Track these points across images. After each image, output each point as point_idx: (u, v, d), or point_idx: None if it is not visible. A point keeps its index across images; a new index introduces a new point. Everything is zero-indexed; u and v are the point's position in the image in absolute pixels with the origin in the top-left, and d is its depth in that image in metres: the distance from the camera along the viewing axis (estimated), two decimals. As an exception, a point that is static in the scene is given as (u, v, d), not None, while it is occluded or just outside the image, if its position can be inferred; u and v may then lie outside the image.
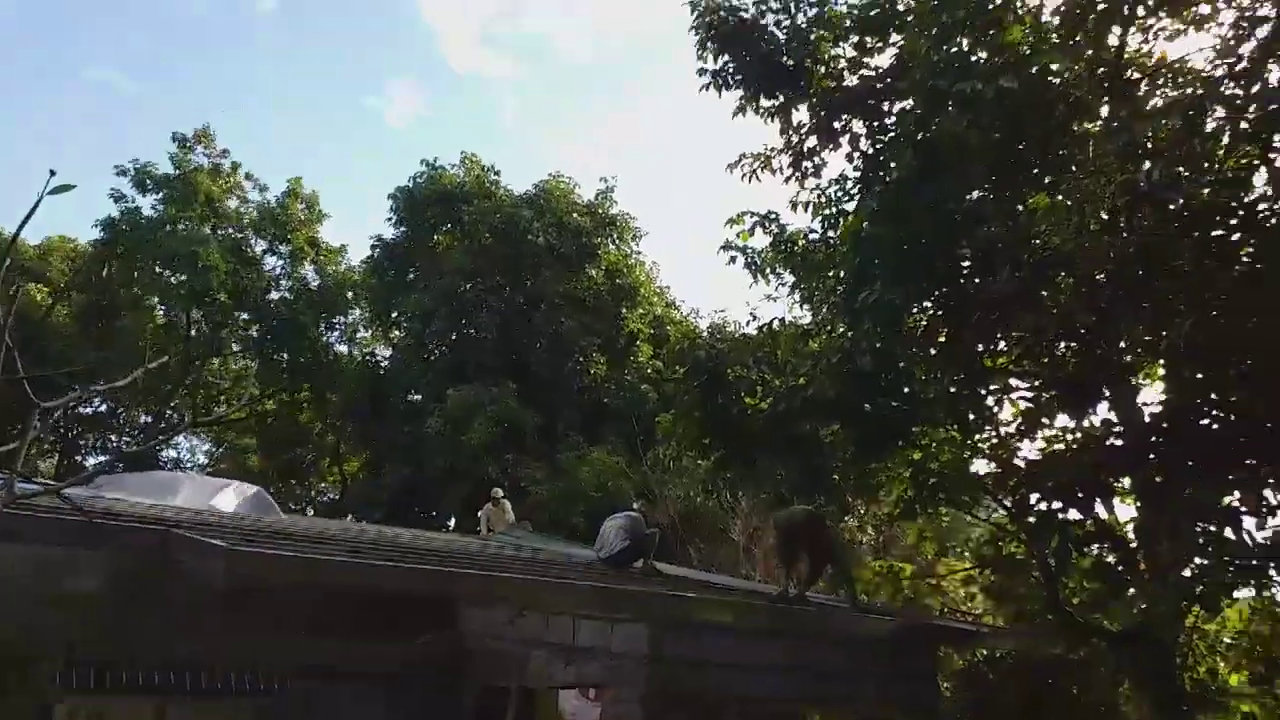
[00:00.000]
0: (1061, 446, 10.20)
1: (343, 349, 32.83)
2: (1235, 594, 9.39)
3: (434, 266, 29.13)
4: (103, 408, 32.84)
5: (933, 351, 10.10)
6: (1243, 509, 8.61)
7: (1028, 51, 9.37)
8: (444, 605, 8.74)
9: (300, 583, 6.67)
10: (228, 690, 7.60)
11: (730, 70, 10.63)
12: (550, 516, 22.43)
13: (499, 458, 24.71)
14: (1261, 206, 8.76)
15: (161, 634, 7.35)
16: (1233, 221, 8.76)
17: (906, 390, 10.26)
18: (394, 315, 30.79)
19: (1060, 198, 9.40)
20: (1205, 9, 9.72)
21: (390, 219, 30.33)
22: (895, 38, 10.37)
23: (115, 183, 30.19)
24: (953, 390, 9.89)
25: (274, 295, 32.47)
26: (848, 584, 10.22)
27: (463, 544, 12.00)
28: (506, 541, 14.15)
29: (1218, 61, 8.86)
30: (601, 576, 9.20)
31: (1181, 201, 8.60)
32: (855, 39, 10.65)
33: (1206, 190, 8.87)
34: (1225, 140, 8.82)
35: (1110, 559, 9.97)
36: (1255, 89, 8.31)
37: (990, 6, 9.53)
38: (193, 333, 31.60)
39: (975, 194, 9.68)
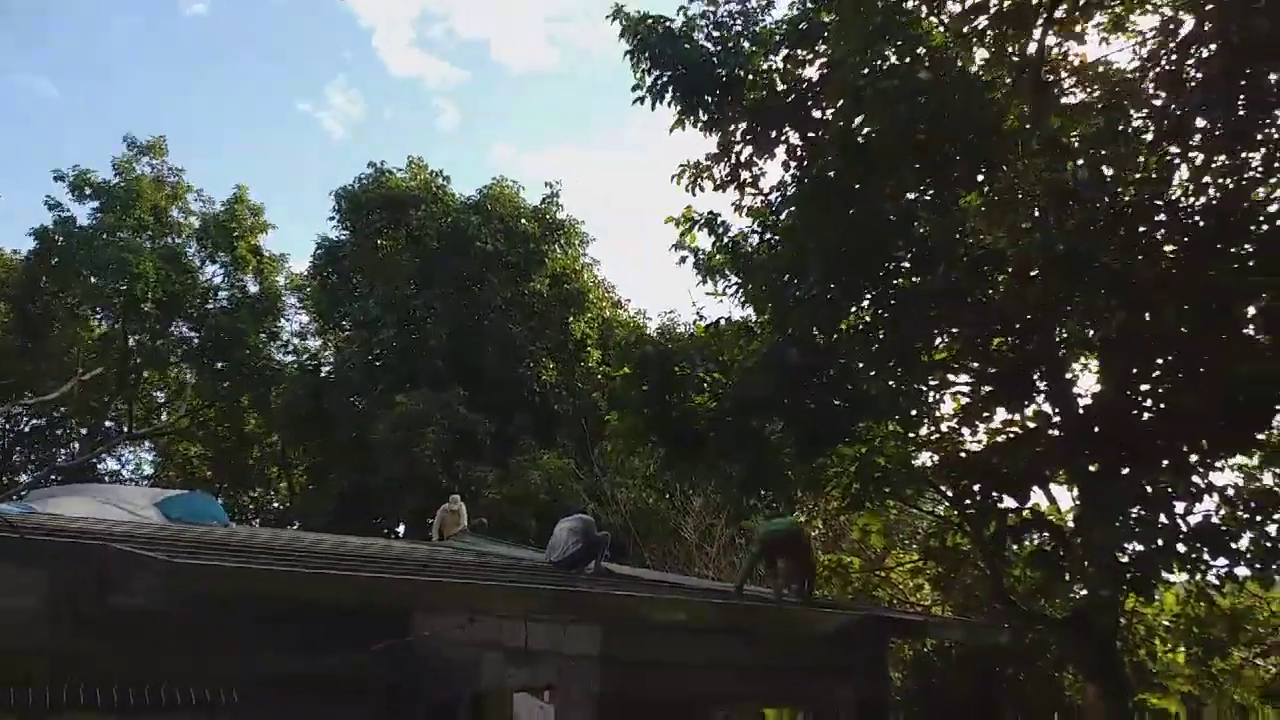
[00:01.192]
0: (1001, 439, 10.43)
1: (286, 357, 32.30)
2: (1168, 577, 9.67)
3: (380, 272, 28.75)
4: (40, 421, 31.95)
5: (872, 348, 10.26)
6: (1173, 494, 8.89)
7: (950, 51, 9.61)
8: (394, 613, 8.67)
9: (243, 594, 6.58)
10: (172, 706, 7.46)
11: (664, 83, 10.72)
12: (502, 520, 22.34)
13: (450, 464, 24.53)
14: (1183, 203, 9.06)
15: (101, 650, 7.19)
16: (1157, 218, 9.05)
17: (849, 387, 10.42)
18: (339, 321, 30.36)
19: (992, 197, 9.63)
20: (1123, 11, 10.03)
21: (333, 220, 29.88)
22: (823, 48, 10.53)
23: (43, 190, 29.51)
24: (893, 386, 10.07)
25: (212, 305, 31.85)
26: (810, 581, 10.38)
27: (413, 551, 11.91)
28: (459, 547, 14.08)
29: (1139, 65, 9.16)
30: (553, 579, 9.20)
31: (1107, 200, 8.85)
32: (785, 51, 10.79)
33: (1131, 188, 9.15)
34: (1148, 139, 9.11)
35: (1047, 547, 10.22)
36: (1173, 92, 8.60)
37: (908, 8, 9.75)
38: (130, 343, 30.90)
39: (910, 195, 9.87)
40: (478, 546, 14.25)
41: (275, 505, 33.45)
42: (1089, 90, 10.10)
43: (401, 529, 26.71)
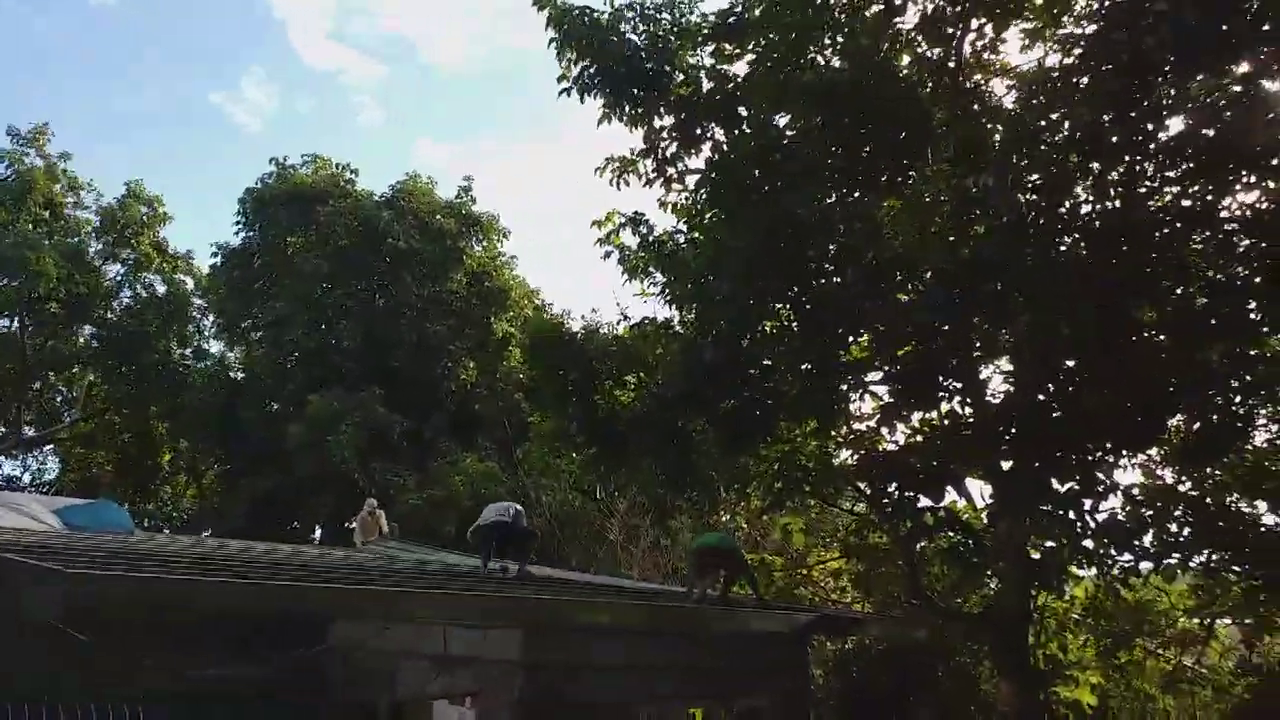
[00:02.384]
0: (916, 439, 10.66)
1: (192, 361, 31.17)
2: (1076, 571, 10.00)
3: (289, 271, 27.89)
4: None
5: (790, 348, 10.40)
6: (1081, 492, 9.19)
7: (873, 53, 9.80)
8: (309, 621, 8.46)
9: (150, 604, 6.33)
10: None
11: (590, 75, 10.66)
12: (423, 526, 21.99)
13: (366, 466, 24.04)
14: (1085, 210, 9.40)
15: (3, 664, 6.86)
16: (1059, 225, 9.36)
17: (768, 386, 10.54)
18: (247, 323, 29.45)
19: (903, 202, 9.86)
20: (1039, 24, 10.34)
21: (237, 224, 28.96)
22: (750, 44, 10.62)
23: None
24: (810, 385, 10.21)
25: (116, 305, 30.59)
26: (751, 583, 10.52)
27: (328, 556, 11.65)
28: (379, 552, 13.81)
29: (1048, 76, 9.47)
30: (473, 583, 9.09)
31: (1015, 206, 9.13)
32: (712, 46, 10.85)
33: (1037, 195, 9.45)
34: (1055, 147, 9.41)
35: (961, 544, 10.48)
36: (1076, 104, 8.91)
37: (830, 3, 9.91)
38: (28, 345, 29.48)
39: (823, 197, 10.02)
40: (397, 551, 14.01)
41: (184, 511, 32.35)
42: (1009, 96, 10.38)
43: (318, 533, 26.12)
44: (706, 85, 10.74)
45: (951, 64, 10.37)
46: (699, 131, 10.80)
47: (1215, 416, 9.12)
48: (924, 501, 10.23)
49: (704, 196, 10.73)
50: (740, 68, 10.93)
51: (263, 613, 7.19)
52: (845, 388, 10.61)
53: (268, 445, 25.62)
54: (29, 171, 29.09)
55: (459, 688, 8.32)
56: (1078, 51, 9.18)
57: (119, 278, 30.89)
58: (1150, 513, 9.28)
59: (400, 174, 29.33)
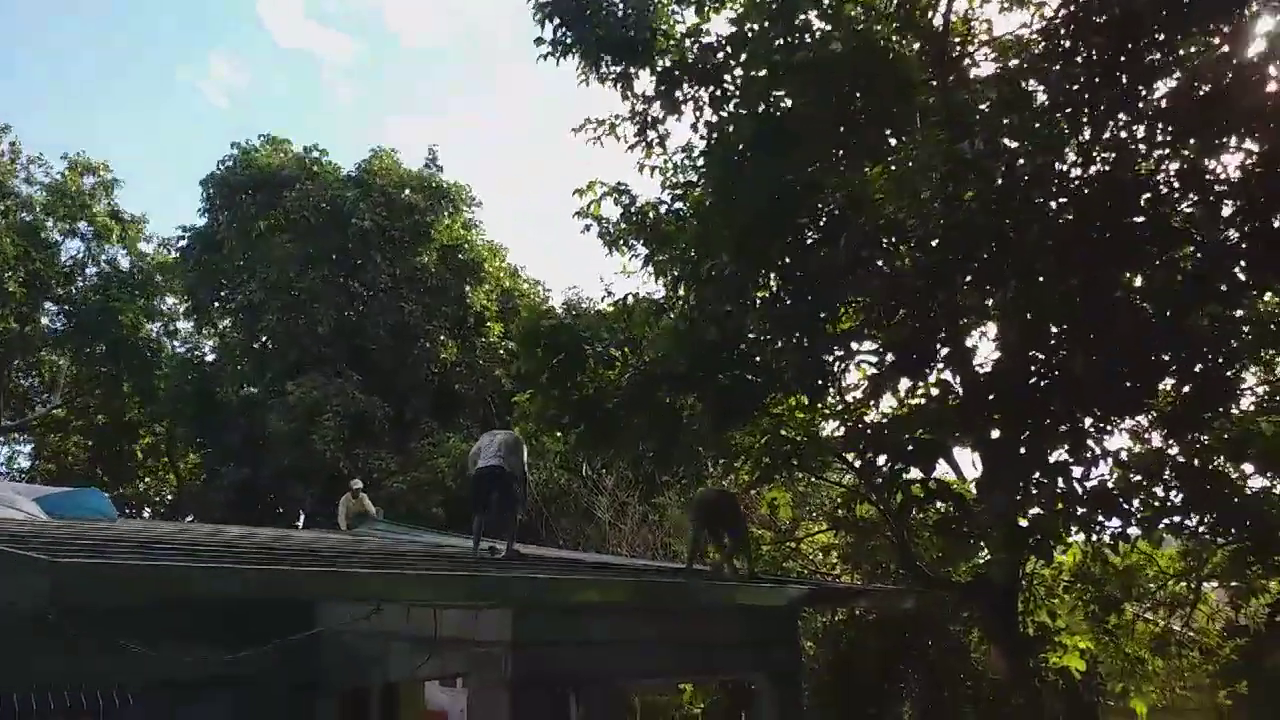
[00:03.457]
0: (905, 409, 10.63)
1: (164, 341, 30.74)
2: (1067, 539, 10.04)
3: (259, 256, 27.53)
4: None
5: (779, 320, 10.33)
6: (1070, 460, 9.20)
7: (860, 21, 9.68)
8: (298, 606, 8.36)
9: (136, 591, 6.20)
10: (65, 711, 7.06)
11: (568, 39, 10.48)
12: (409, 509, 21.89)
13: (349, 451, 23.87)
14: (1074, 174, 9.35)
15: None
16: (1051, 189, 9.31)
17: (757, 360, 10.47)
18: (217, 307, 29.08)
19: (894, 168, 9.77)
20: None
21: (201, 209, 28.53)
22: (732, 12, 10.48)
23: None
24: (799, 358, 10.15)
25: (80, 282, 30.03)
26: (746, 555, 10.40)
27: (316, 541, 11.52)
28: (364, 535, 13.70)
29: (1037, 37, 9.39)
30: (461, 564, 9.00)
31: (1003, 170, 9.07)
32: (694, 5, 10.69)
33: (1024, 160, 9.40)
34: (1043, 110, 9.35)
35: (950, 514, 10.49)
36: (1064, 66, 8.85)
37: None
38: (-8, 329, 28.97)
39: (816, 165, 9.92)
40: (383, 533, 13.90)
41: (165, 497, 32.05)
42: (994, 61, 10.30)
43: (301, 519, 25.95)
44: (688, 46, 10.59)
45: (938, 27, 10.26)
46: (681, 95, 10.67)
47: (1203, 381, 9.14)
48: (913, 473, 10.24)
49: (689, 164, 10.60)
50: (721, 25, 10.79)
51: (252, 597, 7.07)
52: (835, 358, 10.56)
53: (247, 432, 25.40)
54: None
55: (450, 669, 8.26)
56: (1065, 12, 9.10)
57: (79, 254, 30.37)
58: (1139, 478, 9.33)
59: (370, 150, 28.79)
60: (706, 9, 10.74)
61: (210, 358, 29.84)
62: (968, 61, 10.51)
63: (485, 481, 9.47)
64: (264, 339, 27.56)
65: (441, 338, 27.64)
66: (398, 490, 22.69)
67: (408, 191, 28.24)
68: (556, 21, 10.49)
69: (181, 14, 66.04)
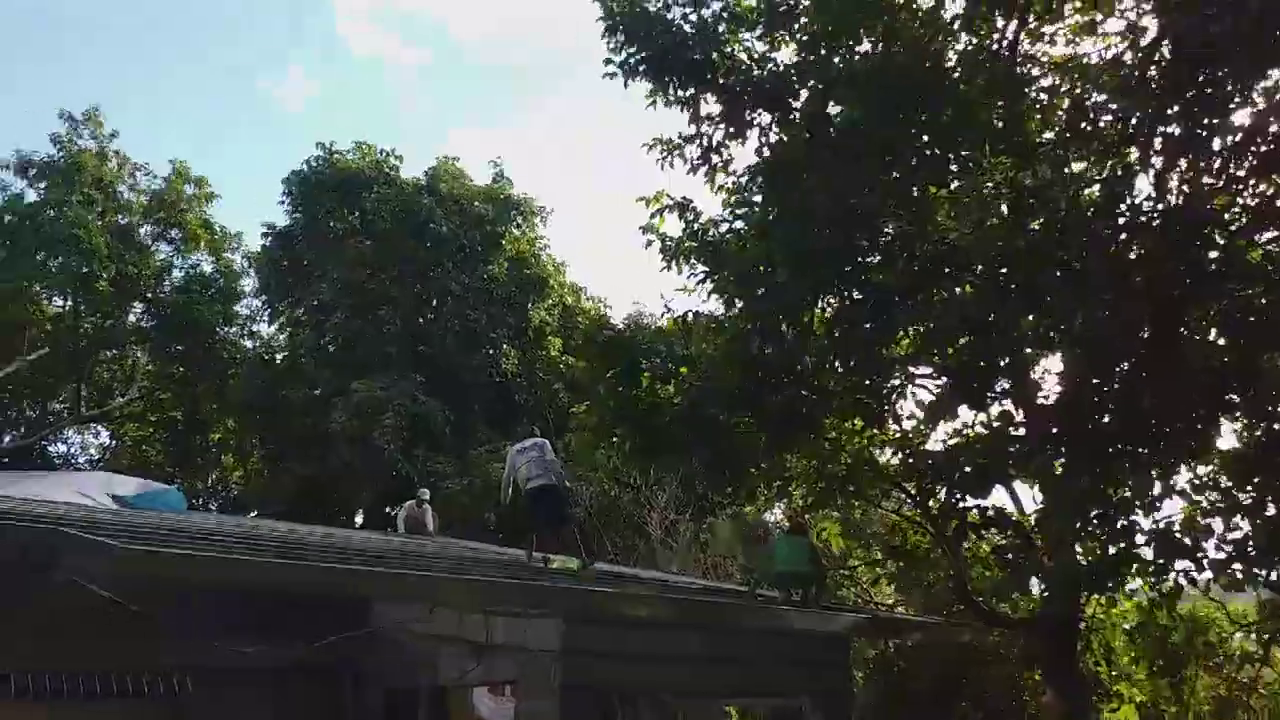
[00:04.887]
0: (963, 438, 10.46)
1: (242, 342, 31.64)
2: (1123, 577, 9.75)
3: (333, 256, 28.15)
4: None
5: (837, 343, 10.27)
6: (1135, 497, 8.97)
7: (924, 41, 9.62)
8: (352, 604, 8.52)
9: (196, 582, 6.40)
10: (122, 693, 7.28)
11: (637, 61, 10.58)
12: (462, 514, 22.12)
13: (409, 453, 24.22)
14: (1146, 206, 9.15)
15: (50, 636, 6.98)
16: (1120, 221, 9.13)
17: (814, 382, 10.42)
18: (291, 308, 29.81)
19: (956, 193, 9.68)
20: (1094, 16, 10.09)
21: (283, 204, 29.31)
22: (799, 31, 10.49)
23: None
24: (854, 381, 10.08)
25: (166, 284, 31.11)
26: (818, 592, 10.22)
27: (371, 540, 11.73)
28: (422, 542, 13.89)
29: (1104, 68, 9.23)
30: (515, 572, 9.09)
31: (1069, 200, 8.93)
32: (761, 31, 10.73)
33: (1092, 190, 9.23)
34: (1111, 141, 9.19)
35: (1005, 544, 10.28)
36: (1133, 97, 8.68)
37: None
38: (82, 324, 30.09)
39: (875, 185, 9.86)
40: (439, 542, 14.07)
41: (231, 492, 32.86)
42: (1059, 87, 10.14)
43: (360, 518, 26.37)
44: (755, 72, 10.63)
45: (1003, 54, 10.15)
46: (747, 118, 10.69)
47: (1277, 424, 8.86)
48: (970, 502, 10.07)
49: (754, 184, 10.60)
50: (787, 55, 10.81)
51: (307, 594, 7.24)
52: (894, 383, 10.45)
53: (311, 430, 25.91)
54: (80, 153, 29.62)
55: (500, 675, 8.33)
56: (1144, 42, 8.93)
57: (168, 258, 31.42)
58: (1208, 520, 9.04)
59: (435, 156, 29.33)
60: (776, 38, 10.74)
61: (280, 356, 30.64)
62: (1031, 84, 10.35)
63: (541, 500, 9.69)
64: (333, 337, 28.20)
65: (504, 347, 27.99)
66: (453, 494, 22.95)
67: (477, 202, 28.73)
68: (623, 38, 10.58)
69: (265, 26, 68.22)
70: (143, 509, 11.56)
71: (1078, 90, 9.91)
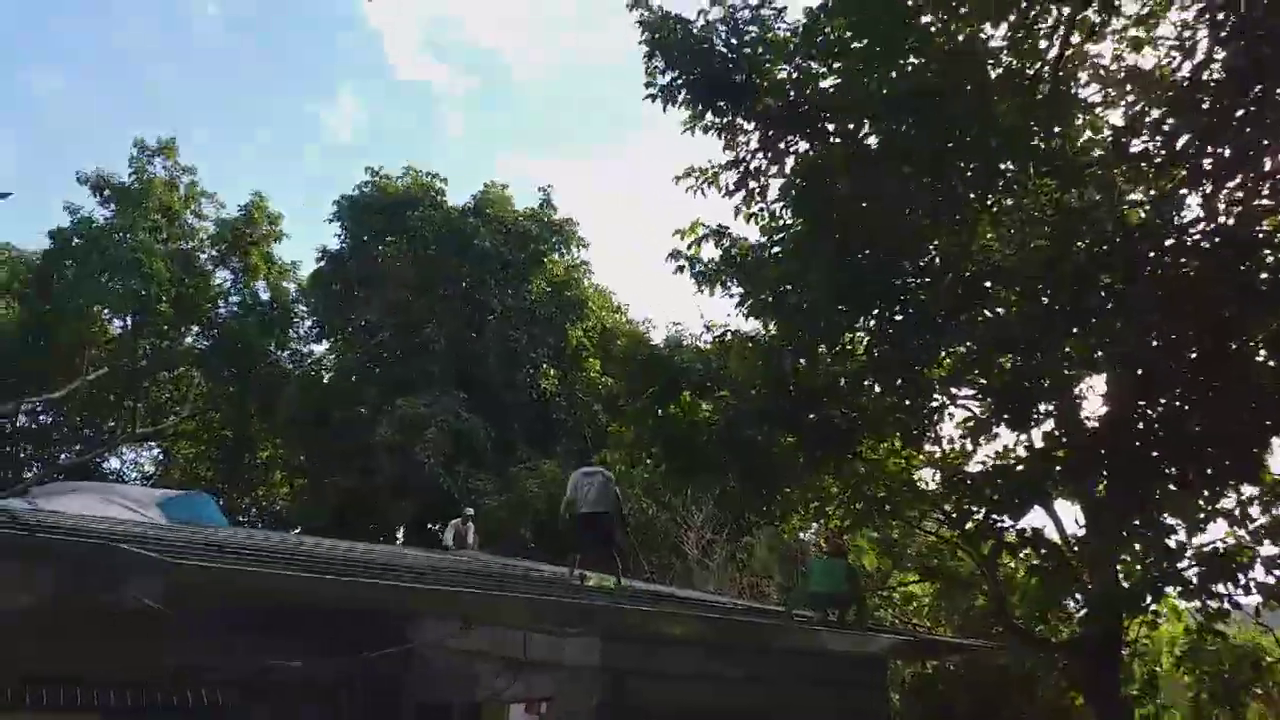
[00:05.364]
0: (1003, 459, 10.37)
1: (290, 368, 32.30)
2: (1163, 596, 9.59)
3: (379, 277, 28.68)
4: (46, 419, 31.95)
5: (876, 362, 10.25)
6: (1175, 521, 8.84)
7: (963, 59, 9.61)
8: (392, 619, 8.65)
9: (243, 596, 6.57)
10: (169, 705, 7.45)
11: (677, 85, 10.70)
12: (500, 529, 22.28)
13: (451, 469, 24.47)
14: (1192, 229, 9.05)
15: (101, 649, 7.18)
16: (1167, 242, 9.04)
17: (852, 401, 10.41)
18: (340, 328, 30.38)
19: (1001, 214, 9.64)
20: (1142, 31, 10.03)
21: (332, 223, 29.95)
22: (836, 58, 10.53)
23: (52, 188, 29.69)
24: (893, 402, 10.05)
25: (223, 310, 31.92)
26: (859, 614, 10.22)
27: (412, 557, 11.89)
28: (463, 559, 14.03)
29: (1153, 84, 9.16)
30: (553, 589, 9.17)
31: (1116, 221, 8.86)
32: (798, 60, 10.79)
33: (1139, 211, 9.15)
34: (1158, 162, 9.10)
35: (1046, 564, 10.15)
36: (1183, 117, 8.60)
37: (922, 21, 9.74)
38: (140, 345, 30.91)
39: (917, 208, 9.86)
40: (480, 559, 14.20)
41: (276, 508, 33.38)
42: (1107, 105, 10.04)
43: (401, 534, 26.63)
44: (793, 96, 10.68)
45: (1045, 75, 10.10)
46: (784, 145, 10.75)
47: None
48: (1007, 522, 9.98)
49: (790, 205, 10.64)
50: (826, 83, 10.85)
51: (348, 609, 7.38)
52: (934, 404, 10.40)
53: (354, 446, 26.29)
54: (150, 180, 30.57)
55: (537, 692, 8.40)
56: (1193, 62, 8.84)
57: (225, 284, 32.23)
58: (1258, 545, 8.88)
59: (480, 183, 29.95)
60: (813, 67, 10.78)
61: (328, 375, 31.20)
62: (1078, 110, 10.27)
63: (587, 526, 10.00)
64: (378, 356, 28.68)
65: (544, 366, 28.26)
66: (492, 510, 23.13)
67: (522, 220, 29.14)
68: (663, 63, 10.70)
69: (313, 50, 69.74)
70: (183, 518, 11.83)
71: (1125, 109, 9.83)
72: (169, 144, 31.48)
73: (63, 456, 30.54)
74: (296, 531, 24.00)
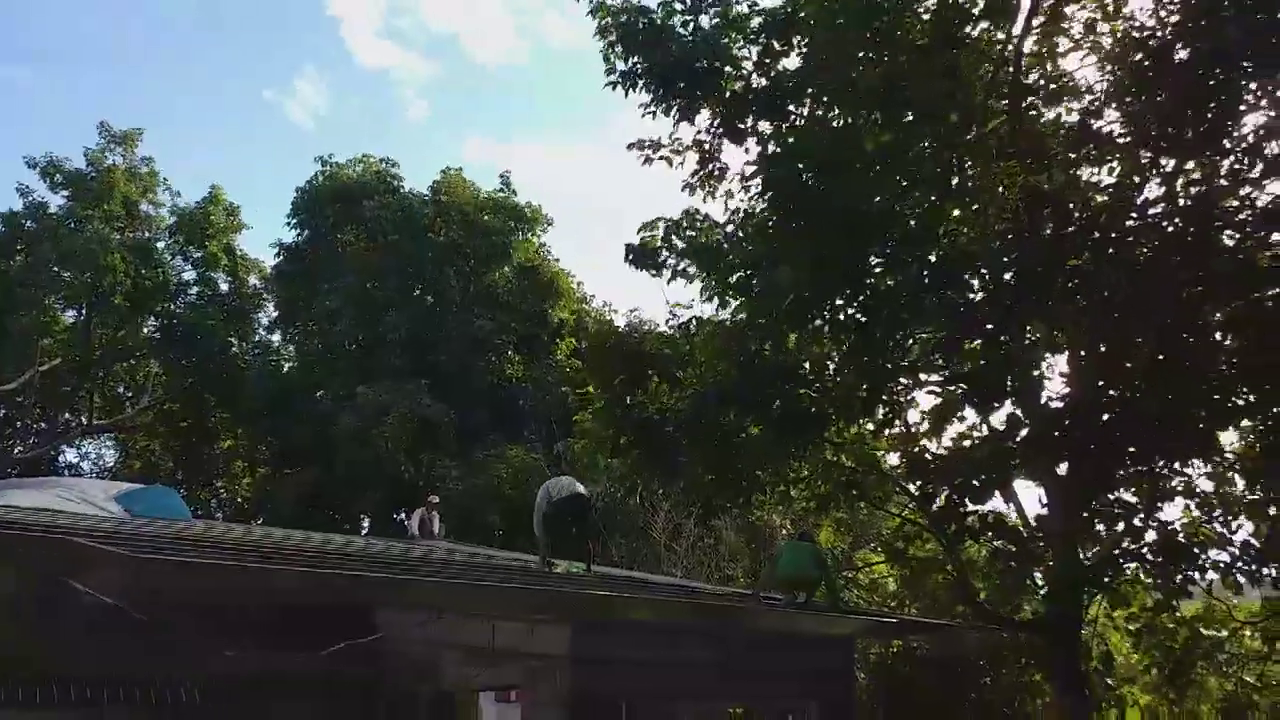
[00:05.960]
0: (968, 441, 10.48)
1: (250, 360, 31.88)
2: (1122, 576, 9.76)
3: (338, 266, 28.38)
4: (-1, 412, 31.27)
5: (843, 346, 10.30)
6: (1139, 500, 9.00)
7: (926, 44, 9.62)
8: (358, 611, 8.56)
9: (208, 590, 6.46)
10: (131, 703, 7.32)
11: (638, 71, 10.62)
12: (465, 515, 22.19)
13: (414, 457, 24.33)
14: (1153, 211, 9.17)
15: (64, 648, 7.03)
16: (1129, 223, 9.15)
17: (817, 384, 10.45)
18: (299, 317, 30.06)
19: (966, 199, 9.70)
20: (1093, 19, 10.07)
21: (290, 221, 29.61)
22: (800, 40, 10.50)
23: (10, 176, 29.04)
24: (866, 384, 10.10)
25: (181, 300, 31.37)
26: (832, 596, 10.32)
27: (378, 547, 11.77)
28: (429, 547, 13.93)
29: (1110, 70, 9.24)
30: (520, 578, 9.13)
31: (1080, 204, 8.95)
32: (763, 42, 10.75)
33: (1103, 193, 9.25)
34: (1122, 144, 9.20)
35: (1004, 547, 10.28)
36: (1146, 99, 8.69)
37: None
38: (95, 335, 30.33)
39: (883, 197, 9.89)
40: (446, 547, 14.11)
41: (238, 500, 32.98)
42: (1066, 92, 10.12)
43: (366, 524, 26.45)
44: (756, 82, 10.65)
45: (1009, 63, 10.14)
46: (743, 127, 10.73)
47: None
48: (971, 506, 10.08)
49: (756, 190, 10.63)
50: (789, 62, 10.83)
51: (314, 600, 7.29)
52: (902, 387, 10.47)
53: (316, 437, 26.05)
54: (109, 171, 29.96)
55: (506, 680, 8.37)
56: (1152, 43, 8.92)
57: (183, 275, 31.69)
58: (1214, 524, 9.06)
59: (440, 172, 29.68)
60: (776, 47, 10.73)
61: (288, 365, 30.85)
62: (1041, 90, 10.32)
63: (568, 509, 9.93)
64: (339, 346, 28.40)
65: (509, 353, 28.11)
66: (457, 495, 23.03)
67: (484, 215, 28.86)
68: (622, 49, 10.61)
69: (271, 37, 68.42)
70: (144, 512, 11.60)
71: (1087, 94, 9.90)
72: (132, 134, 30.83)
73: (16, 450, 29.85)
74: (259, 522, 23.73)
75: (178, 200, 31.88)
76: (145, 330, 31.54)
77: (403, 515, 22.61)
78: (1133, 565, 9.37)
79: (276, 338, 32.64)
